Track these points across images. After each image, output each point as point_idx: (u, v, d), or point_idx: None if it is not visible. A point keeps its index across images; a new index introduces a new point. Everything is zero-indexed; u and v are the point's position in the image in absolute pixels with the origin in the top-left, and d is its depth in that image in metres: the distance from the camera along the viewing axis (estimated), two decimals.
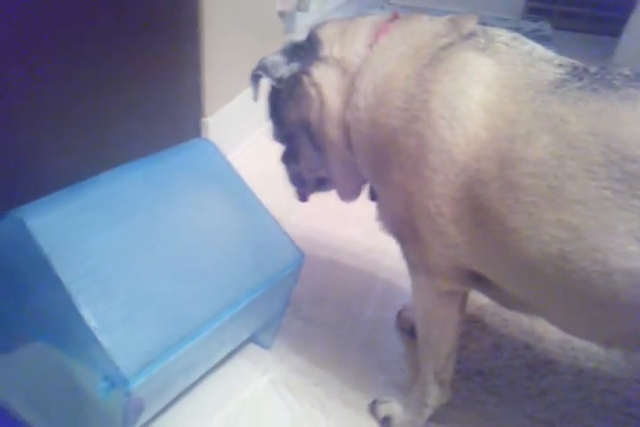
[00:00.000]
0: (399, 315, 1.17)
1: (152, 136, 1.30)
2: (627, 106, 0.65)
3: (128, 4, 1.14)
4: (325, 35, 0.89)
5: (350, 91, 0.84)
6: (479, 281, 0.82)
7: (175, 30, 1.34)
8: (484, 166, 0.71)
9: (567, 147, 0.66)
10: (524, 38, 0.79)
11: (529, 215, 0.68)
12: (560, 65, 0.74)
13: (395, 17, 0.87)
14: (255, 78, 0.94)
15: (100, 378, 0.73)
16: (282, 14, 1.85)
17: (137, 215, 0.85)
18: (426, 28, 0.82)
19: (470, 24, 0.80)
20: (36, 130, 0.99)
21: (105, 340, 0.72)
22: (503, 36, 0.78)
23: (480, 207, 0.72)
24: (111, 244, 0.80)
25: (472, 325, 1.16)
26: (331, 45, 0.87)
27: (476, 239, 0.75)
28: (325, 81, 0.87)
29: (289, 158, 1.01)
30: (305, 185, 1.03)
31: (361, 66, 0.83)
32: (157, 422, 0.92)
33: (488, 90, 0.73)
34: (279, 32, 1.88)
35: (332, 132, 0.88)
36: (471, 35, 0.78)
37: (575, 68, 0.73)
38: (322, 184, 1.02)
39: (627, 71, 0.70)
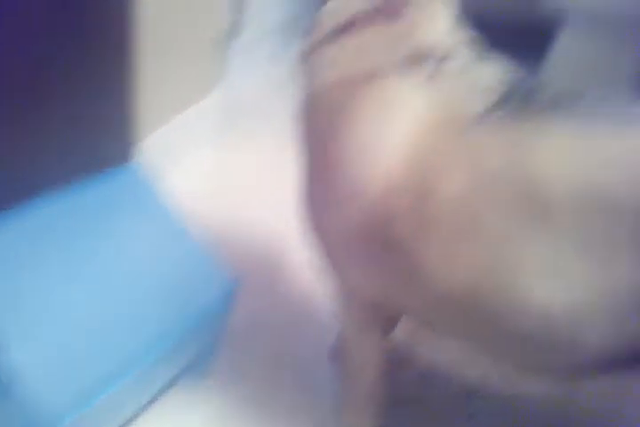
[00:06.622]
0: (332, 346, 1.16)
1: (81, 162, 1.27)
2: (540, 137, 0.64)
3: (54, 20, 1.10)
4: None
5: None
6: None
7: (109, 52, 1.31)
8: (399, 199, 0.70)
9: (483, 181, 0.65)
10: (480, 62, 0.77)
11: (442, 250, 0.67)
12: (494, 93, 0.71)
13: None
14: None
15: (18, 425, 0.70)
16: (219, 38, 1.85)
17: (63, 249, 0.83)
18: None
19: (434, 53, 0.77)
20: None
21: (23, 387, 0.69)
22: (454, 64, 0.76)
23: (393, 240, 0.71)
24: (31, 280, 0.78)
25: (403, 352, 1.16)
26: None
27: (388, 270, 0.74)
28: None
29: None
30: None
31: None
32: None
33: (414, 125, 0.71)
34: (215, 56, 1.87)
35: None
36: (422, 63, 0.76)
37: (507, 94, 0.71)
38: None
39: (549, 95, 0.69)
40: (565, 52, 2.46)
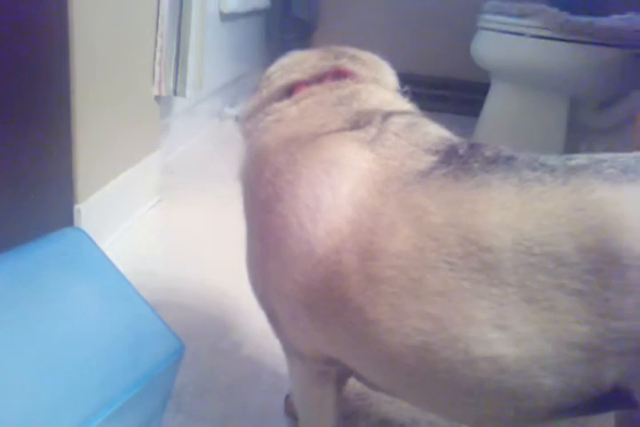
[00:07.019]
0: (286, 400, 1.15)
1: (19, 226, 1.24)
2: (480, 194, 0.66)
3: None
4: None
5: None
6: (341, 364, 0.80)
7: (45, 115, 1.30)
8: (345, 259, 0.70)
9: (427, 238, 0.66)
10: (424, 122, 0.79)
11: (391, 307, 0.67)
12: (437, 151, 0.73)
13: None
14: None
15: None
16: (158, 99, 1.87)
17: (1, 314, 0.80)
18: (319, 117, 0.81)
19: (377, 116, 0.78)
20: None
21: None
22: (399, 123, 0.77)
23: (338, 298, 0.70)
24: None
25: (360, 402, 1.15)
26: None
27: (332, 328, 0.73)
28: None
29: None
30: None
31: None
32: None
33: (359, 186, 0.71)
34: (155, 116, 1.89)
35: None
36: (367, 123, 0.77)
37: (448, 152, 0.72)
38: None
39: (488, 151, 0.71)
40: (494, 106, 2.60)
